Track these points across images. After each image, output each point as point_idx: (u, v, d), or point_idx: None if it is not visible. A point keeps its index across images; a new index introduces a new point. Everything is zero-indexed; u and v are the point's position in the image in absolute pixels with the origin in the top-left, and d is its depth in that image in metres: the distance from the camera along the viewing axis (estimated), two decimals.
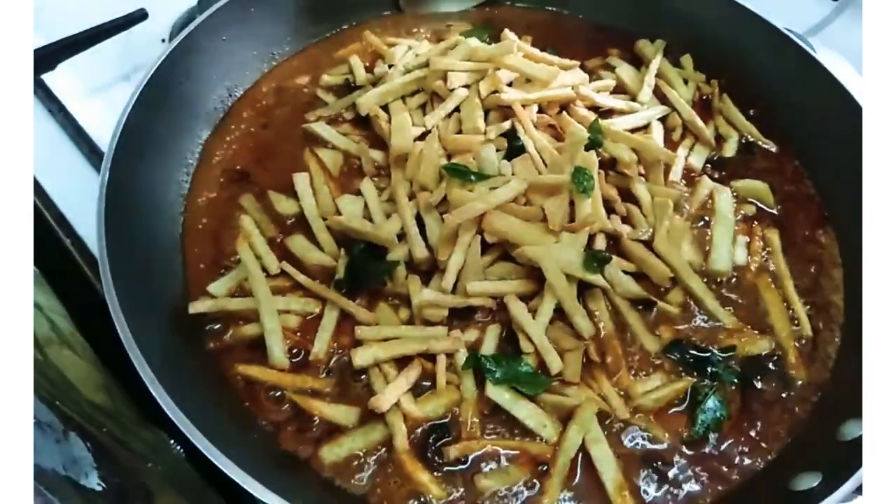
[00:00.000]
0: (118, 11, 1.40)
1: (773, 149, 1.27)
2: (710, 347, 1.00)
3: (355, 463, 0.89)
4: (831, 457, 0.85)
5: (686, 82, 1.34)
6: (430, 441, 0.90)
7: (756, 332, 1.03)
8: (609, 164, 1.14)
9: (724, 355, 1.00)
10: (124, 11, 1.40)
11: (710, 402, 0.95)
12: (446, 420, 0.92)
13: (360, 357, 0.93)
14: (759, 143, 1.27)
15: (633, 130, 1.21)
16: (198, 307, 0.98)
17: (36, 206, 1.18)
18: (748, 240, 1.13)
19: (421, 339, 0.95)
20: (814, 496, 0.77)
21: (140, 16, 1.41)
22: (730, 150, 1.26)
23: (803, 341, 1.03)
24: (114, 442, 0.89)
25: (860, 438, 0.83)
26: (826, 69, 1.18)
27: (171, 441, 0.97)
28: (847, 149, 1.10)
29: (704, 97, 1.34)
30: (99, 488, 0.75)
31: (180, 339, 0.97)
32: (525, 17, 1.48)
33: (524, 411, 0.91)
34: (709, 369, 0.98)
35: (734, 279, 1.08)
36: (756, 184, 1.20)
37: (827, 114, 1.19)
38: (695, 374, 0.98)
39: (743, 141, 1.27)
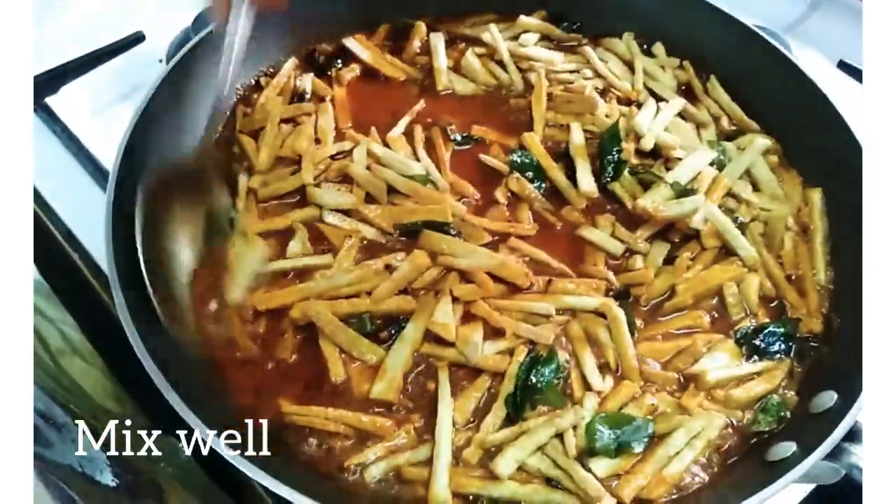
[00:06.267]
0: (116, 35, 1.46)
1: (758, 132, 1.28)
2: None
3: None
4: (805, 427, 0.89)
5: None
6: None
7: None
8: None
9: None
10: (122, 34, 1.46)
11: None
12: None
13: (505, 466, 0.86)
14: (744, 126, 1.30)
15: None
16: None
17: (46, 225, 1.22)
18: None
19: (550, 424, 0.90)
20: (792, 462, 0.80)
21: (137, 38, 1.47)
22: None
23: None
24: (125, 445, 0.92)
25: (832, 409, 0.87)
26: (795, 63, 1.23)
27: (181, 446, 1.01)
28: (817, 138, 1.15)
29: (682, 86, 1.36)
30: (113, 484, 0.79)
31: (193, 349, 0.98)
32: None
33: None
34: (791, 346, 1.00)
35: None
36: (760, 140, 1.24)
37: (798, 106, 1.22)
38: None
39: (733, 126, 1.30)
